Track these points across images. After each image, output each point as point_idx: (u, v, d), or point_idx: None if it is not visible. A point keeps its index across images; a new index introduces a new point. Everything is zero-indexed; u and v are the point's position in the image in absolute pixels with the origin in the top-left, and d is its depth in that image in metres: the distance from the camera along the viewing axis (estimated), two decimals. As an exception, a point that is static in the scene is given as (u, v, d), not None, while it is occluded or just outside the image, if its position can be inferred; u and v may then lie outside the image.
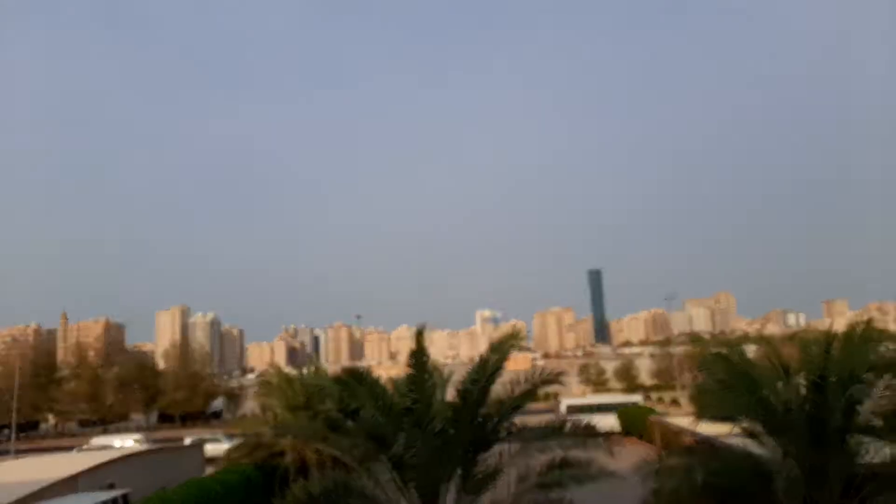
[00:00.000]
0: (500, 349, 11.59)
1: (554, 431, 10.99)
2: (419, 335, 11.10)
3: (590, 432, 10.70)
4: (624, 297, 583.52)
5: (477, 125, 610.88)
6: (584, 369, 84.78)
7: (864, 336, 11.39)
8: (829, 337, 11.28)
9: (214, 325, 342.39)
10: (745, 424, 11.66)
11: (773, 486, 10.60)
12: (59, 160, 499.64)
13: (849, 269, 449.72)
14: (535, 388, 11.49)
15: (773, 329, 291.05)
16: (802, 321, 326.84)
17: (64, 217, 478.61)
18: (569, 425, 11.07)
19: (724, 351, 12.61)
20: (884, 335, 11.82)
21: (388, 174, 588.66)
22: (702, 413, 11.48)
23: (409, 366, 10.97)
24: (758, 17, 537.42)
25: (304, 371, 27.75)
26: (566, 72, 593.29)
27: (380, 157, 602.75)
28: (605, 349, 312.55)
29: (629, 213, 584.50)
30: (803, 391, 11.51)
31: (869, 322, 11.85)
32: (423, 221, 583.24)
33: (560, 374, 11.53)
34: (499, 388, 11.57)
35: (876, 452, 11.14)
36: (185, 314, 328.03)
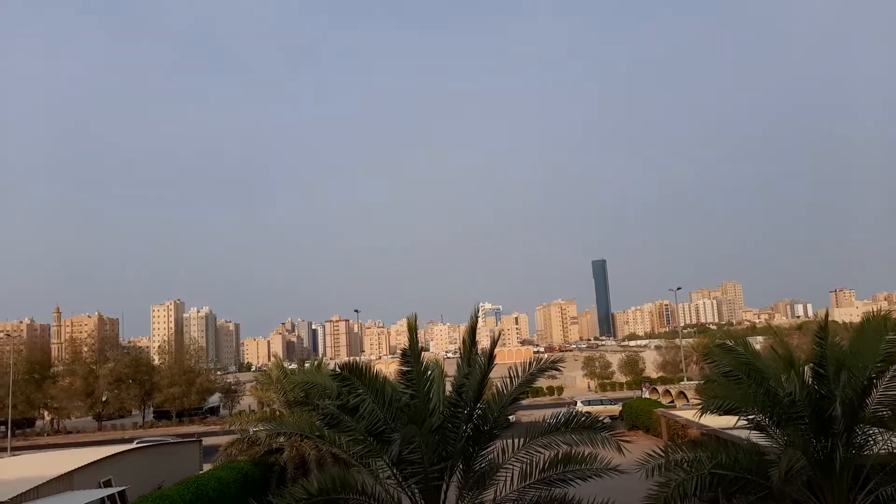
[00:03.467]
0: (472, 330, 11.36)
1: (558, 426, 10.78)
2: (411, 328, 10.83)
3: (595, 427, 10.48)
4: (629, 288, 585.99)
5: (478, 115, 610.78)
6: (588, 362, 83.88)
7: (874, 327, 11.23)
8: (822, 326, 11.13)
9: (209, 319, 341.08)
10: (751, 416, 11.49)
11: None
12: (52, 153, 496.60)
13: (857, 260, 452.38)
14: (532, 378, 11.29)
15: (780, 320, 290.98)
16: (810, 311, 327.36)
17: (57, 210, 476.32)
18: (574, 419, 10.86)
19: (730, 342, 12.42)
20: None
21: (386, 166, 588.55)
22: (708, 405, 11.28)
23: (401, 361, 10.76)
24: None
25: (306, 365, 27.45)
26: (570, 61, 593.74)
27: (378, 150, 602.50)
28: (609, 341, 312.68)
29: (635, 202, 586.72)
30: (810, 382, 11.35)
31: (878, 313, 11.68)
32: (423, 215, 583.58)
33: (557, 360, 11.35)
34: (497, 383, 11.34)
35: (885, 443, 11.00)
36: (180, 308, 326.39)
